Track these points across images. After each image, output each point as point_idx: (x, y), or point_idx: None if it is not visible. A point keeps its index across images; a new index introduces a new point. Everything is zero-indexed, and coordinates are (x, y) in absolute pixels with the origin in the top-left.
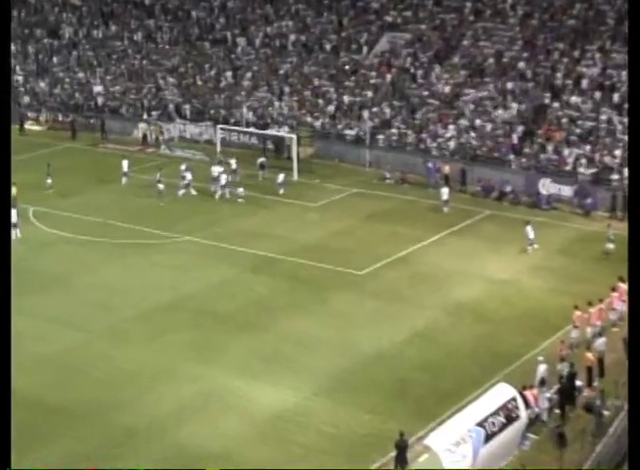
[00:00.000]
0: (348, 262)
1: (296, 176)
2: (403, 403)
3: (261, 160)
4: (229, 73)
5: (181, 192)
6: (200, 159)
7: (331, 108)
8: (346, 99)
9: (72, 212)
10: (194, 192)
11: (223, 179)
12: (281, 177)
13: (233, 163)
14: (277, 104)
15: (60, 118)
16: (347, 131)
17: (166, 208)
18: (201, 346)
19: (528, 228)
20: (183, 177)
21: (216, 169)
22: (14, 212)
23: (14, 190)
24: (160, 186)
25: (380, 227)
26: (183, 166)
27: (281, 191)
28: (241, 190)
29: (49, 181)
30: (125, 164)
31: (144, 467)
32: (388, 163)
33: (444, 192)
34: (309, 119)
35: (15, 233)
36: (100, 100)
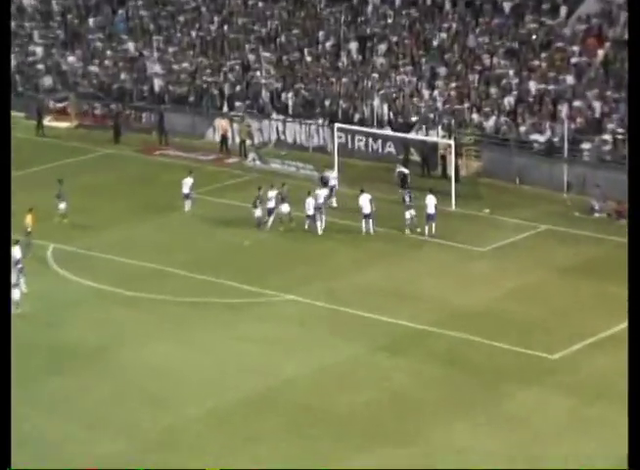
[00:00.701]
0: (535, 340)
1: (453, 204)
2: None
3: (401, 170)
4: (354, 46)
5: (268, 224)
6: (306, 174)
7: (509, 100)
8: (533, 87)
9: (112, 254)
10: (290, 224)
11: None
12: (430, 204)
13: (332, 177)
14: (426, 93)
15: (97, 111)
16: (535, 136)
17: (253, 249)
18: (304, 467)
19: None
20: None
21: (322, 194)
22: (17, 252)
23: (28, 219)
24: (258, 213)
25: (583, 286)
26: (272, 192)
27: (430, 228)
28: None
29: (62, 206)
30: (188, 182)
31: None
32: (598, 186)
33: None
34: (475, 118)
35: (18, 287)
36: (158, 84)
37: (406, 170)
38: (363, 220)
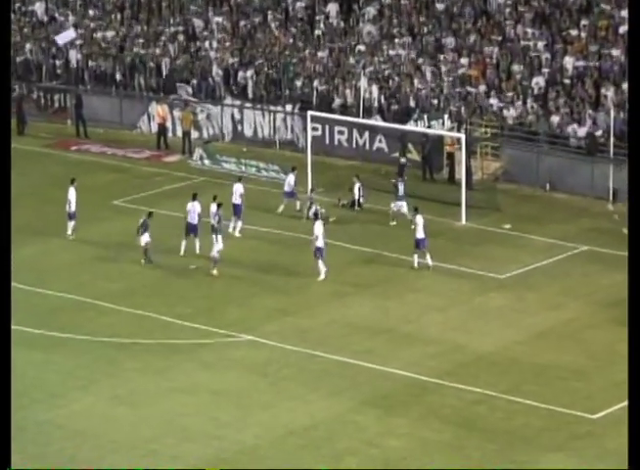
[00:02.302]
0: (570, 396)
1: (463, 217)
2: None
3: (403, 160)
4: (333, 9)
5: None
6: (270, 177)
7: (538, 82)
8: (570, 64)
9: (21, 283)
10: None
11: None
12: (419, 226)
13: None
14: (428, 71)
15: None
16: (571, 129)
17: (201, 274)
18: None
19: None
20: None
21: (291, 180)
22: None
23: None
24: (215, 225)
25: None
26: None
27: (423, 256)
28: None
29: None
30: (71, 194)
31: None
32: None
33: None
34: (494, 104)
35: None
36: (74, 57)
37: (404, 160)
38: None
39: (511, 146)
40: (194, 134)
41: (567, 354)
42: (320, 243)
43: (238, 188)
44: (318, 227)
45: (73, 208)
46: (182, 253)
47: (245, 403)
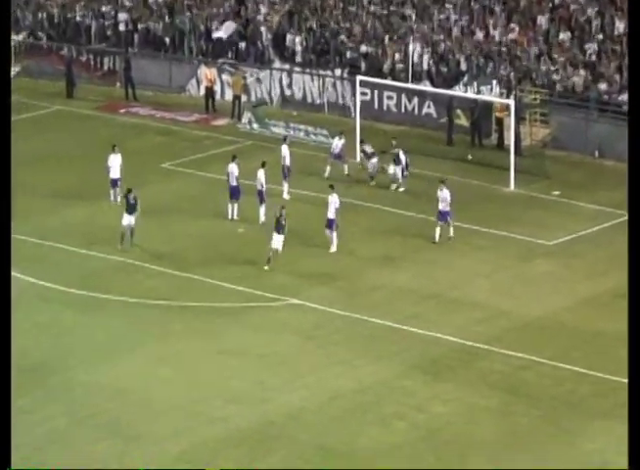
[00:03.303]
0: (617, 363)
1: (512, 183)
2: None
3: (396, 150)
4: None
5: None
6: (319, 141)
7: (590, 47)
8: (622, 28)
9: (64, 243)
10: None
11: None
12: (444, 199)
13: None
14: (479, 36)
15: (43, 52)
16: (623, 96)
17: (249, 238)
18: None
19: None
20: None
21: (339, 144)
22: None
23: None
24: (261, 187)
25: None
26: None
27: (446, 230)
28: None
29: None
30: (112, 160)
31: None
32: None
33: None
34: (544, 70)
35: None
36: (123, 19)
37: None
38: None
39: (560, 112)
40: (243, 98)
41: (613, 322)
42: (331, 214)
43: (284, 150)
44: (333, 199)
45: (117, 174)
46: (229, 217)
47: (291, 367)
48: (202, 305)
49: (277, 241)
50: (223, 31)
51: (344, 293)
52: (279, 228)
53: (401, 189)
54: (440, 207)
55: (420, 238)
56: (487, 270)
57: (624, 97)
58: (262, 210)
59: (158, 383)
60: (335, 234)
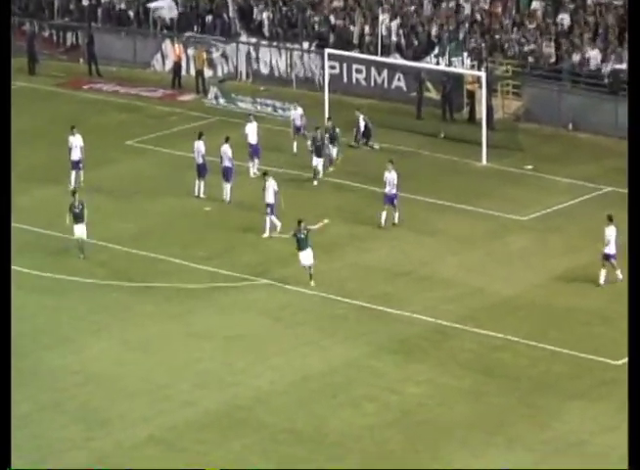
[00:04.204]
0: (594, 342)
1: (484, 158)
2: None
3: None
4: None
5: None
6: (287, 116)
7: (562, 18)
8: None
9: (27, 223)
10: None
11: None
12: (390, 181)
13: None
14: (448, 5)
15: None
16: (596, 66)
17: (216, 217)
18: None
19: None
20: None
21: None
22: None
23: None
24: (229, 163)
25: None
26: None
27: (390, 215)
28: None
29: None
30: (73, 141)
31: None
32: None
33: None
34: (515, 39)
35: None
36: None
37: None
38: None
39: (532, 84)
40: (208, 73)
41: (590, 299)
42: (270, 199)
43: (249, 128)
44: (270, 183)
45: (78, 156)
46: (195, 194)
47: (260, 349)
48: (169, 286)
49: (305, 257)
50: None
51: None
52: (301, 244)
53: (330, 169)
54: (386, 189)
55: (388, 215)
56: (459, 247)
57: (599, 67)
58: (228, 187)
59: (125, 367)
60: (274, 218)
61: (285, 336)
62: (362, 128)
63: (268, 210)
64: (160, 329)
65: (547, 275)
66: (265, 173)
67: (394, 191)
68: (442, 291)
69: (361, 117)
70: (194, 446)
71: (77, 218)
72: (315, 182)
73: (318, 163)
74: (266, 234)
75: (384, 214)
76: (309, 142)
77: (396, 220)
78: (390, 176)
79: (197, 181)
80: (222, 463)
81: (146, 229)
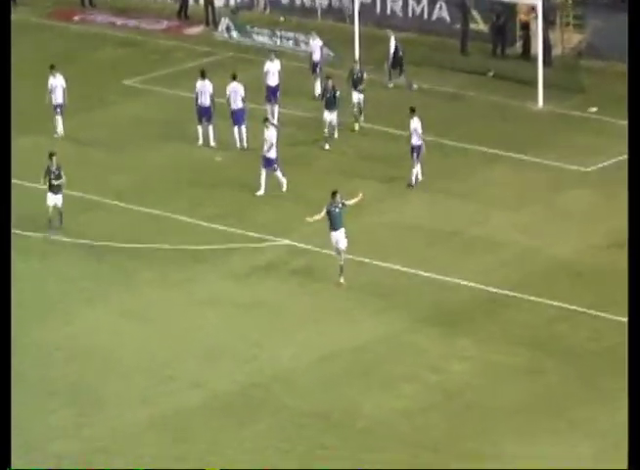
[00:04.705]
0: None
1: (540, 99)
2: None
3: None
4: None
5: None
6: (309, 53)
7: None
8: None
9: (16, 178)
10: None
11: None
12: (416, 130)
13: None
14: None
15: None
16: None
17: (229, 168)
18: None
19: None
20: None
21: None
22: None
23: None
24: (241, 104)
25: None
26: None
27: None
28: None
29: None
30: (53, 82)
31: None
32: None
33: None
34: None
35: None
36: None
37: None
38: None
39: (597, 15)
40: (219, 1)
41: None
42: (272, 154)
43: (272, 66)
44: (271, 133)
45: (60, 99)
46: (200, 141)
47: (279, 320)
48: (173, 249)
49: (339, 239)
50: None
51: (351, 235)
52: (335, 222)
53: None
54: (413, 140)
55: (432, 165)
56: (512, 203)
57: None
58: (243, 132)
59: (122, 341)
60: (279, 173)
61: (308, 305)
62: (391, 55)
63: (264, 162)
64: (162, 297)
65: (613, 235)
66: (266, 119)
67: (420, 142)
68: (493, 254)
69: (392, 38)
70: (202, 433)
71: (53, 188)
72: (327, 145)
73: (331, 118)
74: (261, 191)
75: (414, 171)
76: (317, 85)
77: (418, 176)
78: (413, 125)
79: (201, 127)
80: (234, 453)
81: (147, 183)
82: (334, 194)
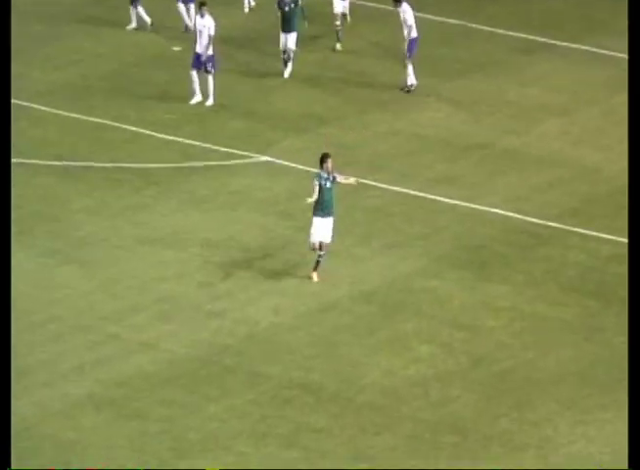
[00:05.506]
0: None
1: None
2: None
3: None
4: None
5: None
6: None
7: None
8: None
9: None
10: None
11: None
12: (409, 18)
13: None
14: None
15: None
16: None
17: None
18: None
19: None
20: None
21: None
22: None
23: None
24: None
25: None
26: None
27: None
28: None
29: None
30: None
31: None
32: None
33: None
34: None
35: None
36: None
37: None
38: None
39: None
40: None
41: None
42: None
43: None
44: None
45: None
46: (133, 24)
47: (257, 262)
48: (116, 167)
49: (323, 228)
50: None
51: (335, 143)
52: (325, 200)
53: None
54: (405, 33)
55: (452, 56)
56: (561, 104)
57: None
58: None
59: (51, 289)
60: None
61: (296, 240)
62: None
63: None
64: (103, 230)
65: None
66: (203, 4)
67: (415, 35)
68: (534, 173)
69: None
70: (155, 409)
71: None
72: (286, 74)
73: (287, 40)
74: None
75: (410, 69)
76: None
77: (413, 81)
78: (401, 14)
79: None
80: (197, 436)
81: (84, 81)
82: (323, 158)
